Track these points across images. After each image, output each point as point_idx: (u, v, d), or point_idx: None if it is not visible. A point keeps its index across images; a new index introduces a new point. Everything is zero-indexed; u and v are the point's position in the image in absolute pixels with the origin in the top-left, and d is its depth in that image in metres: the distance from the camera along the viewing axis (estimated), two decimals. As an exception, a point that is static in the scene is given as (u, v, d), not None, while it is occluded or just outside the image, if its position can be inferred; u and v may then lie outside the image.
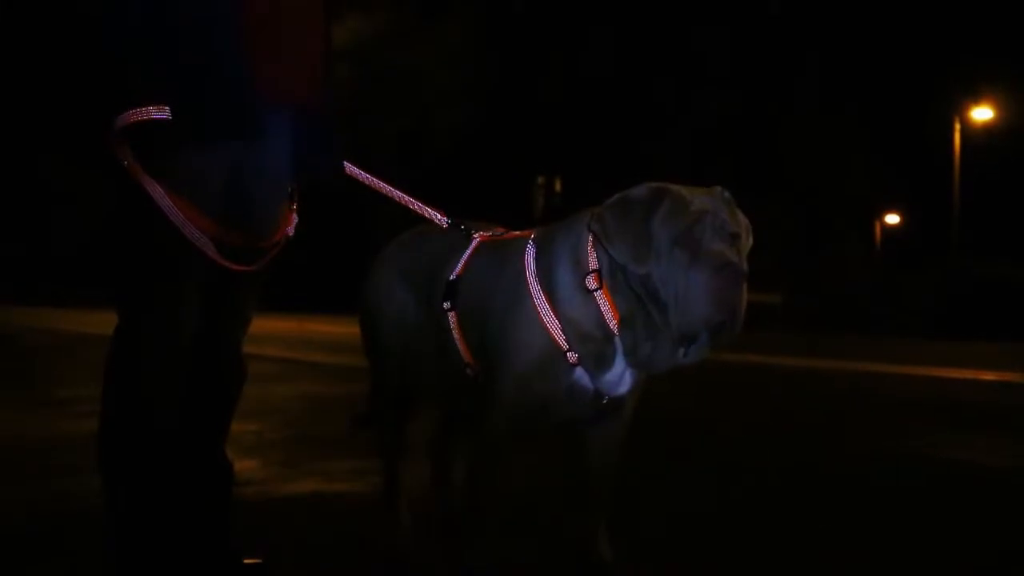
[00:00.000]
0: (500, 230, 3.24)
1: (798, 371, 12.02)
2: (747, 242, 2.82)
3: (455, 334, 3.08)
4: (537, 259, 2.91)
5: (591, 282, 2.80)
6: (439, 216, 3.29)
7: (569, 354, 2.82)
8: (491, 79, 36.99)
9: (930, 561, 3.49)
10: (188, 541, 2.95)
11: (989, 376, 11.68)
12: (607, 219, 2.74)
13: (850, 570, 3.39)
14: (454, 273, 3.12)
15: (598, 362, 2.83)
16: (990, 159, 32.74)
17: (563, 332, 2.81)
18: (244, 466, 4.53)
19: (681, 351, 2.72)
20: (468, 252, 3.15)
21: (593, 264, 2.80)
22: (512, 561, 3.16)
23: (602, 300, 2.78)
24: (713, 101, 34.51)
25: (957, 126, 31.53)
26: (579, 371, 2.85)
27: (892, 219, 40.94)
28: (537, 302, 2.85)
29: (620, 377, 2.87)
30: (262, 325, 4.04)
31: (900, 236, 40.44)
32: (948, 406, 8.45)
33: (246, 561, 3.08)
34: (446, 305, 3.10)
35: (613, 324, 2.78)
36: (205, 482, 3.05)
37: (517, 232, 3.15)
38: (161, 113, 2.64)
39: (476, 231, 3.21)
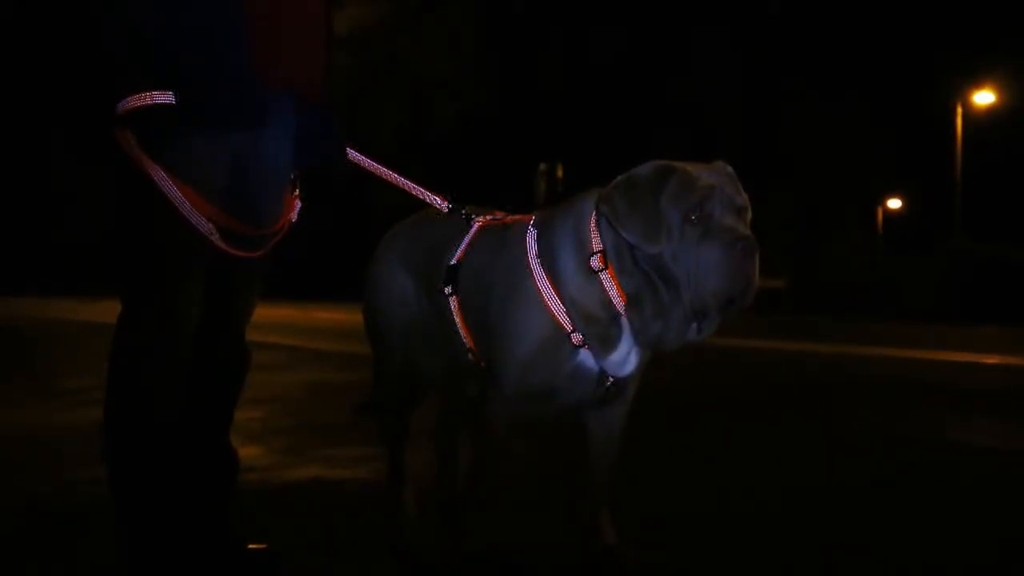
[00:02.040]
0: (500, 214, 3.24)
1: (801, 355, 12.02)
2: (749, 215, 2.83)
3: (456, 319, 3.08)
4: (539, 241, 2.91)
5: (596, 263, 2.80)
6: (440, 201, 3.29)
7: (573, 336, 2.82)
8: (492, 66, 36.93)
9: (934, 544, 3.50)
10: (194, 528, 2.97)
11: (992, 360, 11.68)
12: (616, 200, 2.74)
13: (853, 554, 3.39)
14: (455, 258, 3.13)
15: (603, 343, 2.83)
16: (992, 143, 32.68)
17: (567, 314, 2.82)
18: (248, 453, 4.54)
19: (693, 327, 2.73)
20: (468, 237, 3.15)
21: (597, 245, 2.80)
22: (515, 547, 3.17)
23: (607, 280, 2.78)
24: (714, 86, 34.42)
25: (959, 110, 31.46)
26: (583, 353, 2.85)
27: (894, 204, 40.93)
28: (540, 284, 2.85)
29: (625, 358, 2.87)
30: (266, 313, 4.06)
31: (903, 221, 40.44)
32: (951, 390, 8.45)
33: (251, 547, 3.09)
34: (447, 290, 3.10)
35: (619, 304, 2.78)
36: (210, 469, 3.06)
37: (517, 216, 3.15)
38: (164, 98, 2.64)
39: (476, 216, 3.21)
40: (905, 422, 6.32)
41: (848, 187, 35.90)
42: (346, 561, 3.25)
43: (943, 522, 3.79)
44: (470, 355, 3.08)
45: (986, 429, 6.09)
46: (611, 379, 2.90)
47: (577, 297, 2.82)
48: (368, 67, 34.92)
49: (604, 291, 2.79)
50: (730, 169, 2.81)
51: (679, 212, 2.64)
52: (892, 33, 33.83)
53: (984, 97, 32.40)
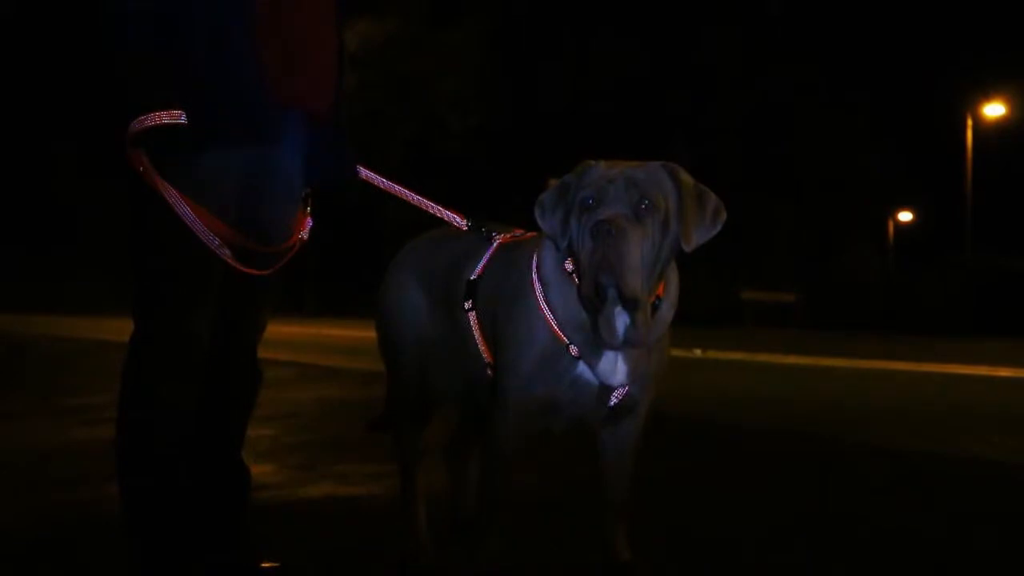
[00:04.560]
0: (519, 231, 3.25)
1: (812, 369, 12.00)
2: (701, 221, 2.79)
3: (476, 334, 3.09)
4: (538, 255, 2.94)
5: (568, 265, 2.84)
6: (459, 219, 3.30)
7: (571, 348, 2.84)
8: (501, 82, 37.02)
9: (947, 559, 3.49)
10: (206, 545, 2.97)
11: (1004, 373, 11.64)
12: (544, 201, 2.85)
13: (862, 566, 3.38)
14: (475, 273, 3.13)
15: (591, 350, 2.84)
16: (1003, 155, 32.67)
17: (559, 323, 2.84)
18: (260, 470, 4.54)
19: (619, 327, 2.74)
20: (488, 253, 3.16)
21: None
22: (527, 564, 3.16)
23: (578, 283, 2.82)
24: (723, 102, 34.47)
25: (969, 123, 31.45)
26: (582, 365, 2.86)
27: (905, 216, 40.88)
28: (539, 296, 2.88)
29: (613, 365, 2.87)
30: (278, 330, 4.06)
31: (913, 233, 40.39)
32: (963, 403, 8.42)
33: (264, 565, 3.09)
34: (467, 305, 3.11)
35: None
36: (223, 486, 3.06)
37: (535, 233, 3.16)
38: (175, 117, 2.66)
39: (496, 233, 3.22)
40: (917, 436, 6.29)
41: (858, 200, 35.88)
42: (359, 578, 3.25)
43: (957, 536, 3.78)
44: (489, 370, 3.08)
45: (997, 443, 6.07)
46: (615, 394, 2.90)
47: (558, 301, 2.86)
48: (378, 84, 35.04)
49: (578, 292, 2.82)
50: (672, 169, 2.80)
51: (576, 204, 2.73)
52: (902, 46, 33.85)
53: (994, 109, 32.39)
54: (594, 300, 2.70)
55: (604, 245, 2.60)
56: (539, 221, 2.85)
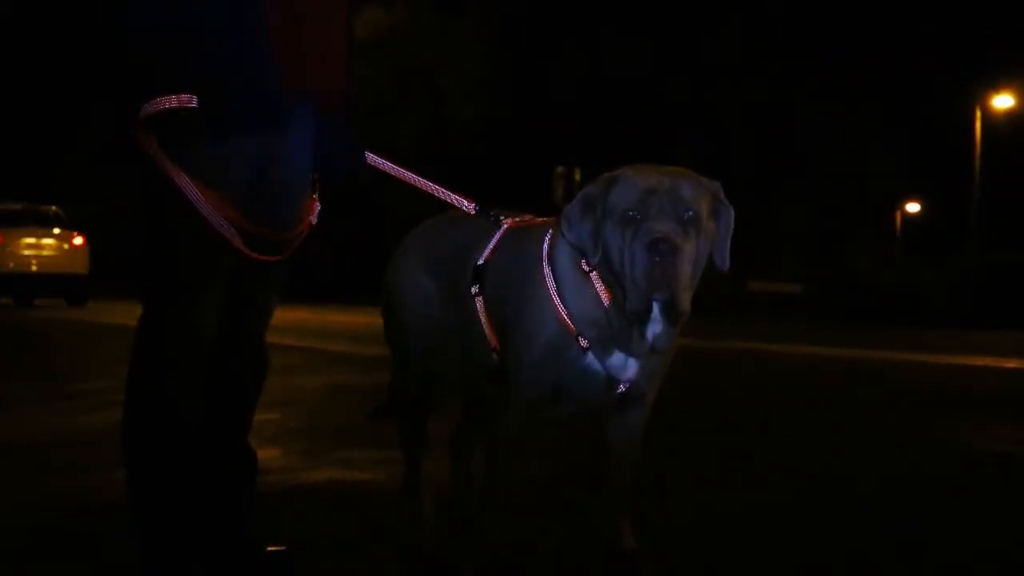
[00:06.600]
0: (528, 217, 3.24)
1: (819, 360, 11.98)
2: (711, 228, 2.78)
3: (482, 319, 3.09)
4: (550, 244, 2.93)
5: (585, 264, 2.84)
6: (467, 203, 3.29)
7: (580, 338, 2.83)
8: (509, 70, 36.97)
9: (953, 551, 3.48)
10: (212, 530, 2.97)
11: (1011, 364, 11.62)
12: (569, 213, 2.83)
13: (871, 560, 3.38)
14: (482, 258, 3.13)
15: (602, 345, 2.84)
16: (1011, 146, 32.57)
17: (572, 318, 2.83)
18: (266, 455, 4.54)
19: (656, 333, 2.76)
20: (496, 237, 3.16)
21: None
22: (532, 553, 3.16)
23: (597, 282, 2.81)
24: (732, 91, 34.39)
25: (978, 114, 31.33)
26: (591, 356, 2.86)
27: (913, 208, 40.82)
28: (549, 286, 2.87)
29: (624, 361, 2.87)
30: (284, 315, 4.06)
31: (921, 224, 40.34)
32: (969, 394, 8.41)
33: (269, 549, 3.10)
34: (474, 290, 3.11)
35: (608, 305, 2.81)
36: (229, 471, 3.07)
37: (544, 219, 3.16)
38: (186, 101, 2.65)
39: (505, 217, 3.22)
40: (924, 427, 6.28)
41: (865, 191, 35.79)
42: (362, 563, 3.25)
43: (963, 528, 3.78)
44: (494, 355, 3.08)
45: (1004, 434, 6.05)
46: (623, 384, 2.90)
47: (573, 298, 2.86)
48: (385, 74, 35.03)
49: (596, 293, 2.82)
50: (704, 180, 2.80)
51: (617, 215, 2.70)
52: (910, 36, 33.74)
53: (1003, 100, 32.27)
54: (642, 315, 2.71)
55: (664, 263, 2.60)
56: (565, 233, 2.83)
